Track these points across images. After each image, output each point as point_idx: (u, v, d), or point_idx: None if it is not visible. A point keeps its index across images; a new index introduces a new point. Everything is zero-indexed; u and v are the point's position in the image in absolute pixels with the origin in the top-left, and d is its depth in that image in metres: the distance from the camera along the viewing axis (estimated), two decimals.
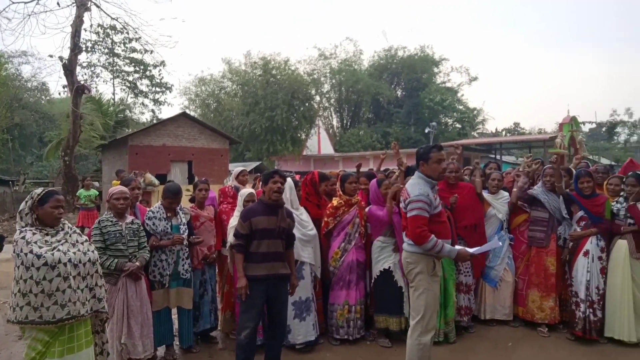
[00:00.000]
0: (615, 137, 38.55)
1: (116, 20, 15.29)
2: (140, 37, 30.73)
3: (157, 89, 36.92)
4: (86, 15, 14.64)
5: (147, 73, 36.04)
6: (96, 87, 34.91)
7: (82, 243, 3.05)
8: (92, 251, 3.08)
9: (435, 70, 40.31)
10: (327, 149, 36.86)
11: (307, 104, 32.60)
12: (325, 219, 4.74)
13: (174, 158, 19.46)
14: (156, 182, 16.31)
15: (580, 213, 4.72)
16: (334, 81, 39.87)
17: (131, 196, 4.30)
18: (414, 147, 33.62)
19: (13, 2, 13.32)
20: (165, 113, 41.84)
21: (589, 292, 4.57)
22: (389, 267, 4.60)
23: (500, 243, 4.09)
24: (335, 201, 4.76)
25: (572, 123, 21.91)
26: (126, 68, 35.73)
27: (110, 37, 33.46)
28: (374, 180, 4.84)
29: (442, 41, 79.82)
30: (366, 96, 37.68)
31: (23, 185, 20.48)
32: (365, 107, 39.54)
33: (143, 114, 37.06)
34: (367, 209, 4.78)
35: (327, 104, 42.02)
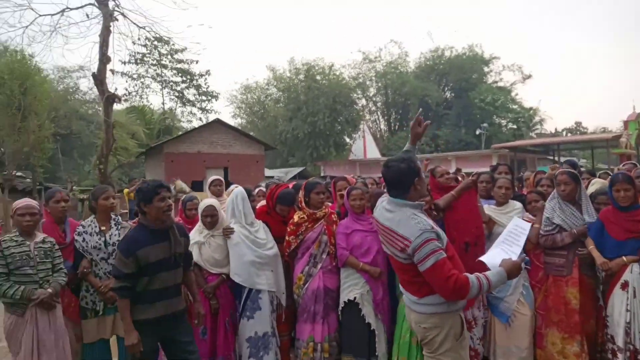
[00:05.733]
0: None
1: (143, 28, 15.26)
2: (185, 49, 31.55)
3: (204, 98, 37.48)
4: (114, 25, 14.70)
5: (194, 82, 36.70)
6: (147, 98, 35.98)
7: None
8: None
9: (486, 69, 38.21)
10: (374, 153, 35.84)
11: (350, 108, 31.88)
12: (287, 238, 3.95)
13: (209, 165, 19.31)
14: (187, 188, 16.13)
15: None
16: (379, 84, 38.89)
17: (55, 210, 3.73)
18: (465, 150, 31.99)
19: (40, 15, 13.57)
20: None
21: (630, 339, 3.43)
22: (354, 298, 3.74)
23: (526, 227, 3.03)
24: (296, 216, 3.96)
25: (638, 120, 19.63)
26: (174, 78, 36.58)
27: (158, 48, 34.39)
28: (347, 189, 3.99)
29: (491, 39, 75.93)
30: (413, 98, 36.33)
31: (71, 192, 21.10)
32: (413, 109, 38.16)
33: (191, 122, 37.71)
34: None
35: (373, 108, 41.12)
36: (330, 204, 4.55)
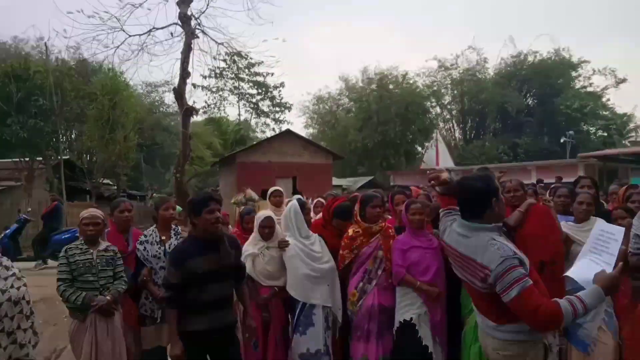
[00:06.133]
0: None
1: (222, 44, 15.90)
2: (262, 62, 32.77)
3: (277, 109, 38.54)
4: (195, 42, 15.44)
5: (268, 94, 37.89)
6: (224, 110, 37.77)
7: (4, 279, 2.63)
8: (17, 288, 2.65)
9: (574, 74, 35.54)
10: (447, 162, 34.63)
11: (422, 117, 31.16)
12: (341, 252, 3.83)
13: (279, 174, 19.67)
14: (255, 197, 16.56)
15: None
16: (455, 92, 37.70)
17: (120, 220, 3.89)
18: (548, 159, 29.92)
19: (130, 36, 14.57)
20: None
21: None
22: (411, 319, 3.51)
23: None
24: (351, 230, 3.82)
25: None
26: (250, 90, 38.01)
27: (237, 63, 35.91)
28: (405, 203, 3.80)
29: (580, 42, 69.69)
30: (491, 105, 34.77)
31: (151, 199, 22.52)
32: (490, 117, 36.51)
33: (264, 133, 38.91)
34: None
35: (448, 116, 39.92)
36: (389, 217, 4.38)
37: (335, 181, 24.07)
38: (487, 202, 2.29)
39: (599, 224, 2.70)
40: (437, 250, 3.69)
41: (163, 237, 3.87)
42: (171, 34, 15.55)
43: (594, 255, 2.46)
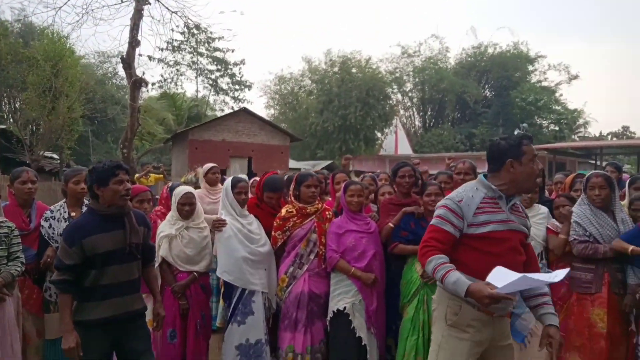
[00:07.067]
0: None
1: (175, 13, 15.06)
2: (222, 37, 31.67)
3: (237, 87, 37.49)
4: (146, 9, 14.57)
5: (228, 71, 36.73)
6: (181, 85, 36.36)
7: None
8: None
9: (530, 68, 36.54)
10: (406, 149, 34.98)
11: (382, 103, 31.15)
12: (273, 233, 3.53)
13: (234, 154, 19.14)
14: None
15: None
16: (417, 79, 37.91)
17: (21, 192, 3.41)
18: None
19: None
20: None
21: None
22: (344, 308, 3.27)
23: (558, 278, 2.26)
24: (284, 210, 3.53)
25: None
26: (209, 66, 36.71)
27: (195, 36, 34.52)
28: (344, 183, 3.53)
29: (538, 37, 71.73)
30: (450, 95, 35.22)
31: None
32: (450, 106, 37.04)
33: (223, 111, 37.83)
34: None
35: (409, 104, 40.19)
36: (329, 199, 4.11)
37: (293, 164, 23.68)
38: (502, 160, 2.27)
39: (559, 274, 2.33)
40: (374, 234, 3.47)
41: (73, 213, 3.43)
42: None
43: (528, 278, 2.15)
